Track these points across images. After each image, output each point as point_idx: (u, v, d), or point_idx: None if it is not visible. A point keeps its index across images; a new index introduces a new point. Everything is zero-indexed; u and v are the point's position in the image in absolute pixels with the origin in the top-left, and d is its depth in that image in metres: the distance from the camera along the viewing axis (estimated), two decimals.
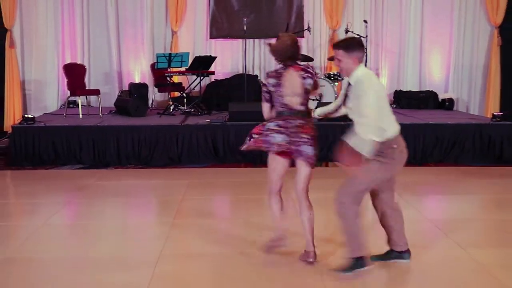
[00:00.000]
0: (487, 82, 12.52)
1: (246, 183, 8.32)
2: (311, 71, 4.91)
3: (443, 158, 9.51)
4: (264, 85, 4.98)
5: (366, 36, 10.99)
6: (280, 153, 4.93)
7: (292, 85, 4.83)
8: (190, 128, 9.60)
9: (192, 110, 10.83)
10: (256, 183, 8.25)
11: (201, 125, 9.67)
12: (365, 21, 11.30)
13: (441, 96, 12.27)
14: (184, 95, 11.29)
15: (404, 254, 4.95)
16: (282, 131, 4.85)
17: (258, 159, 9.47)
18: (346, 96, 4.71)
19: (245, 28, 11.12)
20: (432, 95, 12.25)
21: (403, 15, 12.47)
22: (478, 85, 12.77)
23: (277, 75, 4.88)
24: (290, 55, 4.86)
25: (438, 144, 9.59)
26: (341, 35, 11.88)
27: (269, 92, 4.92)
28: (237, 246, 5.51)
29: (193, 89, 11.47)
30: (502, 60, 12.24)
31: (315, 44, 12.41)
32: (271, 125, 4.91)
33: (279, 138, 4.84)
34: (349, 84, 4.66)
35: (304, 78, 4.83)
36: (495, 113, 10.29)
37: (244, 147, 5.04)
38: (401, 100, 12.19)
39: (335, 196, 4.62)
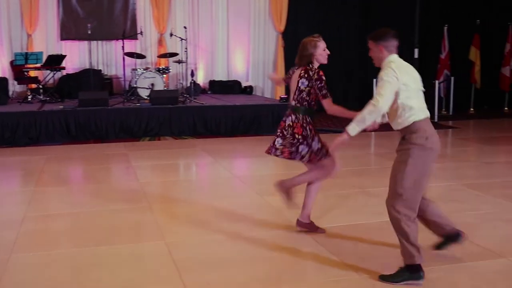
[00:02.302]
0: (276, 74, 13.01)
1: (94, 155, 8.02)
2: (310, 74, 4.05)
3: (247, 131, 9.82)
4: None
5: (186, 39, 10.94)
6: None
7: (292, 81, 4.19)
8: (46, 113, 9.04)
9: (48, 98, 10.21)
10: (102, 155, 8.01)
11: (55, 111, 9.15)
12: (185, 27, 11.21)
13: (244, 84, 12.56)
14: (40, 86, 10.62)
15: None
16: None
17: (104, 136, 9.21)
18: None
19: (89, 32, 10.66)
20: (237, 83, 12.49)
21: (214, 22, 12.56)
22: None
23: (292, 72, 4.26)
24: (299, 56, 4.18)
25: (242, 120, 9.85)
26: (167, 38, 11.78)
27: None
28: (89, 206, 5.33)
29: (48, 81, 10.83)
30: (286, 58, 12.74)
31: (147, 44, 12.14)
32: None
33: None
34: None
35: (300, 77, 4.10)
36: (282, 96, 10.81)
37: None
38: (214, 87, 12.31)
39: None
